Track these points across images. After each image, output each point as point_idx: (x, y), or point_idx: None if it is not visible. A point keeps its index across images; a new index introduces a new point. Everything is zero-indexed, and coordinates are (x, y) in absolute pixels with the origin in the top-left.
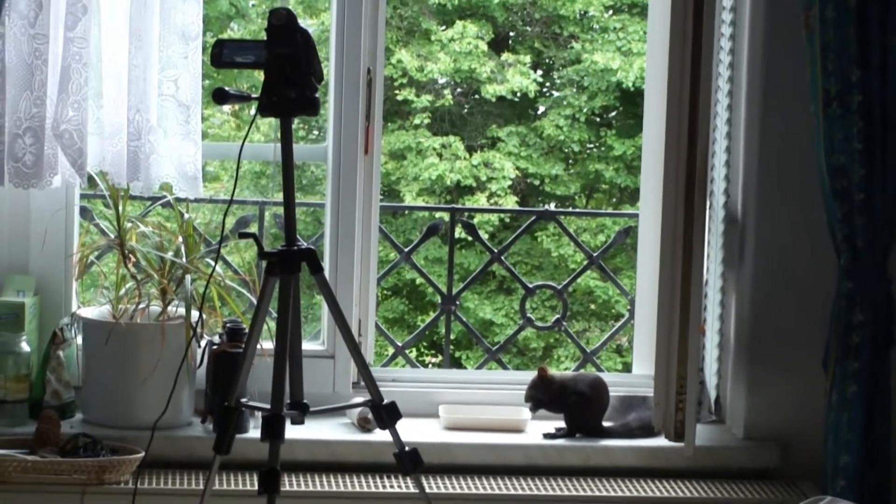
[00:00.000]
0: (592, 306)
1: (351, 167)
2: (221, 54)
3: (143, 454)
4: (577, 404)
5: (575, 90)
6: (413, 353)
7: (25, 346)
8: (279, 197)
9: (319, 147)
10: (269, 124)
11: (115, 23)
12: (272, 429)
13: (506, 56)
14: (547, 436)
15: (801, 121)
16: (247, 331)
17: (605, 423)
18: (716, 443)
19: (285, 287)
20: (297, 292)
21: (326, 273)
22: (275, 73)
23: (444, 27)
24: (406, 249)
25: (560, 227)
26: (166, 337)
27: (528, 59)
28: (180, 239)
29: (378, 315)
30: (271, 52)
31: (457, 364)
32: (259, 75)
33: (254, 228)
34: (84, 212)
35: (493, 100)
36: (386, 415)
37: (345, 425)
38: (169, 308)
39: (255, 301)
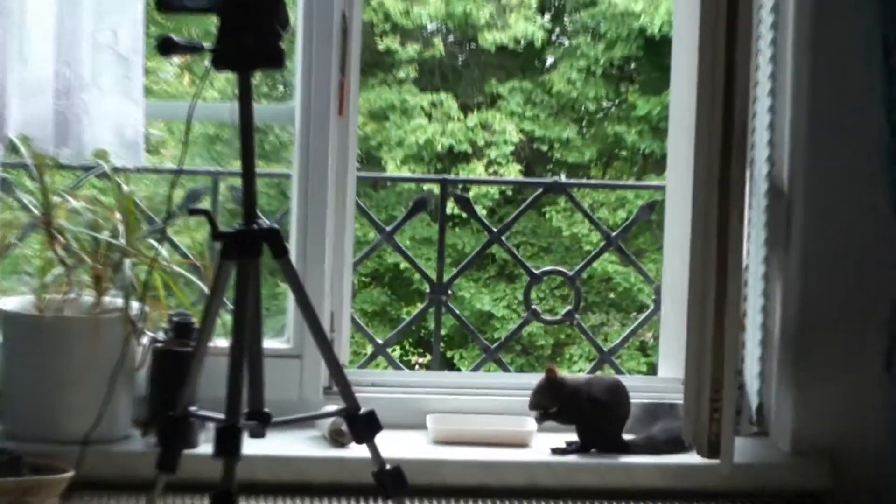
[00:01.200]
0: (611, 296)
1: (322, 130)
2: None
3: (72, 473)
4: (592, 413)
5: (590, 38)
6: (396, 353)
7: None
8: (237, 166)
9: (285, 107)
10: (225, 80)
11: None
12: (227, 443)
13: None
14: (556, 451)
15: (859, 74)
16: (197, 326)
17: (626, 436)
18: (758, 459)
19: (243, 273)
20: (257, 280)
21: (293, 256)
22: (231, 18)
23: None
24: (388, 228)
25: (572, 201)
26: (101, 333)
27: (534, 0)
28: (118, 216)
29: (354, 307)
30: None
31: (449, 365)
32: (214, 21)
33: (206, 204)
34: (4, 184)
35: (493, 50)
36: (363, 426)
37: (314, 439)
38: (104, 299)
39: (207, 290)
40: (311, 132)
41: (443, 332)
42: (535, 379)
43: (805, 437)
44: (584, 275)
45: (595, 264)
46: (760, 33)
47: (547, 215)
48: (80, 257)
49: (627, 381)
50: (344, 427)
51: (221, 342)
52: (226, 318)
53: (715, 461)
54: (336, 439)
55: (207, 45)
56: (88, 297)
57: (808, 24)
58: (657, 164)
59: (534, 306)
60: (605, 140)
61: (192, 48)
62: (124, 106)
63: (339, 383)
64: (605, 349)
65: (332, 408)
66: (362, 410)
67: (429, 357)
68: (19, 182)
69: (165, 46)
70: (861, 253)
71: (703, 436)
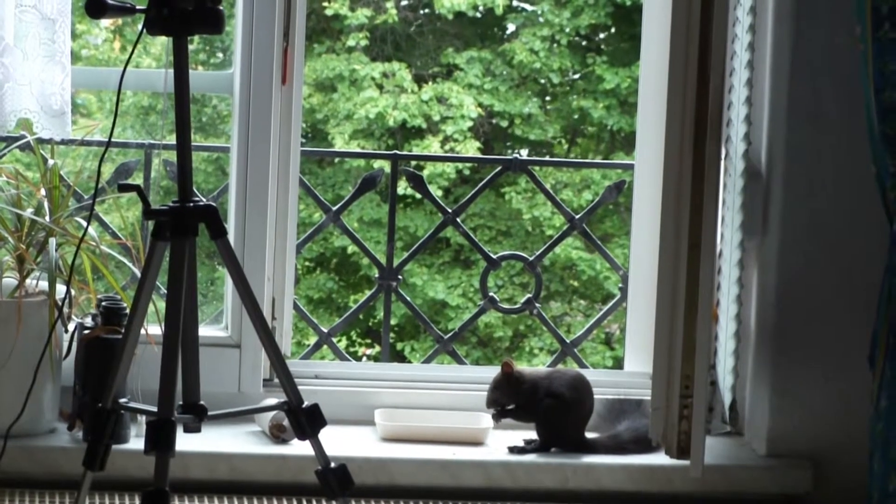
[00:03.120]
0: (574, 284)
1: (264, 101)
2: None
3: None
4: (553, 410)
5: (554, 4)
6: (343, 343)
7: None
8: (171, 139)
9: (224, 74)
10: (160, 45)
11: None
12: (160, 438)
13: None
14: (514, 450)
15: (844, 46)
16: (128, 311)
17: (589, 435)
18: (731, 461)
19: (178, 255)
20: (192, 262)
21: (231, 237)
22: None
23: None
24: (334, 208)
25: (533, 181)
26: (24, 318)
27: None
28: (43, 192)
29: (298, 293)
30: None
31: (399, 357)
32: None
33: (138, 179)
34: None
35: (450, 16)
36: (306, 421)
37: (253, 434)
38: (27, 281)
39: (138, 273)
40: (252, 103)
41: (392, 321)
42: (491, 372)
43: (781, 437)
44: (546, 261)
45: (557, 250)
46: (739, 0)
47: (506, 196)
48: (2, 236)
49: (591, 375)
50: (285, 422)
51: (154, 329)
52: (159, 303)
53: (685, 462)
54: (277, 435)
55: (140, 6)
56: (10, 279)
57: None
58: (626, 141)
59: (491, 294)
60: (570, 115)
61: (124, 10)
62: (49, 71)
63: (281, 375)
64: (568, 341)
65: (272, 401)
66: (305, 404)
67: (377, 348)
68: None
69: (94, 8)
70: (843, 239)
71: (672, 435)
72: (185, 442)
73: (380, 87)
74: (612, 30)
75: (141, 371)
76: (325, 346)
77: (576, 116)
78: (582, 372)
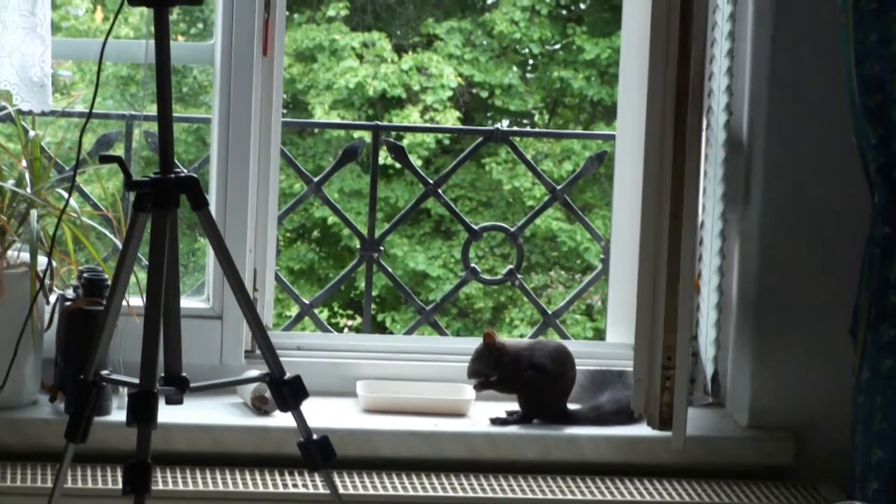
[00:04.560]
0: (555, 255)
1: (245, 72)
2: None
3: None
4: (535, 381)
5: None
6: (324, 314)
7: None
8: (152, 110)
9: (204, 45)
10: (140, 15)
11: None
12: (142, 410)
13: None
14: (496, 421)
15: (825, 17)
16: (109, 283)
17: (571, 406)
18: (713, 432)
19: (159, 227)
20: (174, 234)
21: (212, 209)
22: None
23: None
24: (316, 179)
25: (514, 151)
26: (5, 290)
27: None
28: (24, 163)
29: (279, 264)
30: None
31: (380, 328)
32: None
33: (119, 150)
34: None
35: None
36: (288, 393)
37: (235, 406)
38: (9, 253)
39: (119, 245)
40: (233, 74)
41: (374, 292)
42: (473, 344)
43: (764, 409)
44: (527, 232)
45: (538, 221)
46: None
47: (487, 167)
48: None
49: (573, 346)
50: (267, 394)
51: (135, 301)
52: (140, 274)
53: (667, 433)
54: (259, 407)
55: None
56: None
57: None
58: (606, 112)
59: (472, 265)
60: (551, 86)
61: None
62: (29, 43)
63: (263, 347)
64: (550, 312)
65: (254, 373)
66: (287, 376)
67: (359, 319)
68: None
69: None
70: (825, 210)
71: (654, 406)
72: (167, 414)
73: (360, 57)
74: (593, 0)
75: (123, 343)
76: (306, 318)
77: (556, 87)
78: (564, 343)
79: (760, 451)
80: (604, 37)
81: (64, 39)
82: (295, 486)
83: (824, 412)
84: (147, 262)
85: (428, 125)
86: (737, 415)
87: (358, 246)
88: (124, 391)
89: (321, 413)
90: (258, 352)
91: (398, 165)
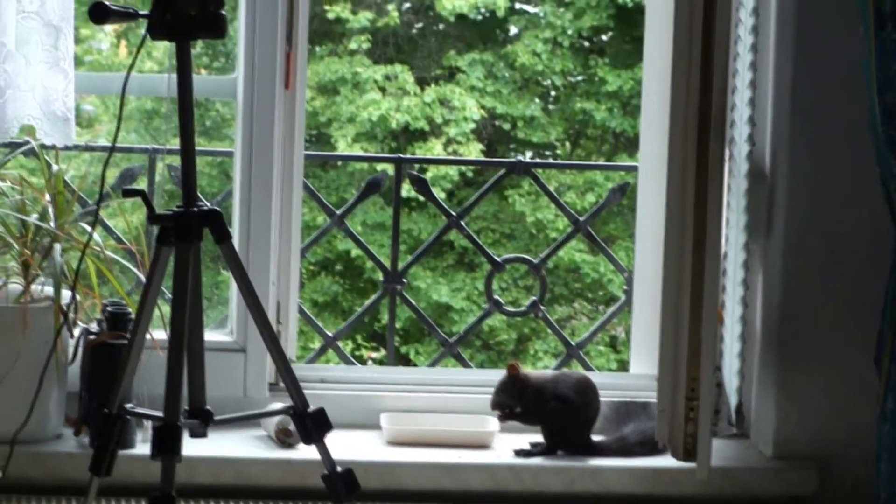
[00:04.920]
0: (578, 286)
1: (267, 105)
2: None
3: None
4: (559, 412)
5: (556, 6)
6: (348, 347)
7: None
8: (175, 144)
9: (227, 79)
10: (163, 50)
11: None
12: (166, 443)
13: None
14: (519, 453)
15: (848, 47)
16: (133, 316)
17: (595, 437)
18: (737, 463)
19: (182, 260)
20: (197, 267)
21: (235, 242)
22: None
23: None
24: (339, 212)
25: (537, 183)
26: (29, 324)
27: None
28: (47, 197)
29: (303, 297)
30: None
31: (404, 361)
32: None
33: (143, 184)
34: None
35: (451, 18)
36: (312, 425)
37: (259, 439)
38: (33, 287)
39: (143, 278)
40: (256, 107)
41: (397, 325)
42: (496, 375)
43: (788, 439)
44: (550, 264)
45: (561, 252)
46: (741, 1)
47: (510, 199)
48: (7, 242)
49: (597, 377)
50: (291, 426)
51: (159, 334)
52: (164, 308)
53: (691, 464)
54: (283, 439)
55: (143, 11)
56: (15, 284)
57: None
58: (629, 143)
59: (496, 297)
60: (573, 118)
61: (127, 15)
62: (52, 78)
63: (287, 379)
64: (573, 343)
65: (278, 405)
66: (311, 408)
67: (382, 352)
68: None
69: (97, 13)
70: (848, 240)
71: (678, 437)
72: (191, 447)
73: (382, 89)
74: (614, 32)
75: (146, 376)
76: (330, 350)
77: (578, 119)
78: (587, 374)
79: (785, 481)
80: (626, 68)
81: (87, 73)
82: None
83: (849, 442)
84: (170, 296)
85: (451, 157)
86: (761, 445)
87: (381, 278)
88: (148, 424)
89: (345, 445)
90: (282, 384)
91: (421, 198)
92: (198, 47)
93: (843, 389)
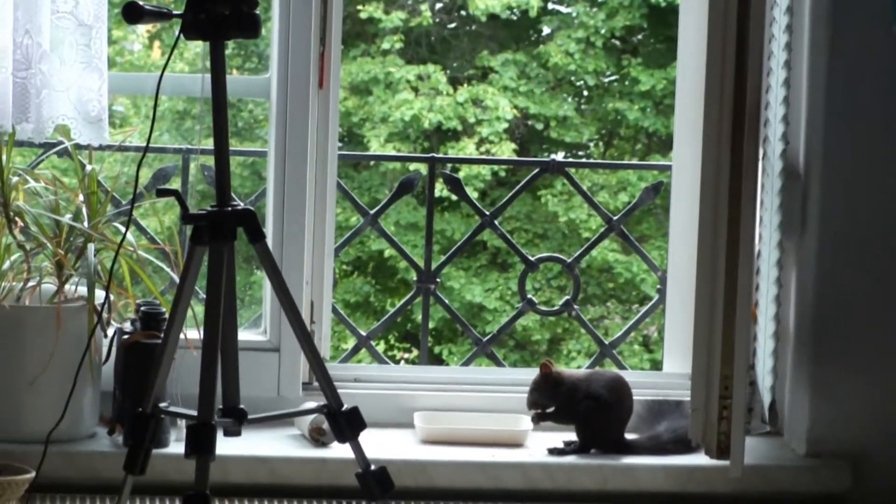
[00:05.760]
0: (611, 286)
1: (301, 105)
2: None
3: (33, 474)
4: (592, 411)
5: (589, 6)
6: (381, 346)
7: None
8: (208, 144)
9: (260, 79)
10: (194, 50)
11: None
12: (200, 442)
13: None
14: (553, 451)
15: (882, 45)
16: (167, 316)
17: (628, 436)
18: (771, 461)
19: (216, 260)
20: (231, 266)
21: (269, 241)
22: None
23: None
24: (372, 211)
25: (570, 183)
26: (63, 324)
27: None
28: (81, 198)
29: (336, 297)
30: None
31: (437, 360)
32: None
33: (176, 184)
34: None
35: (484, 18)
36: (346, 424)
37: (293, 438)
38: (66, 287)
39: (177, 278)
40: (289, 107)
41: (430, 324)
42: (529, 375)
43: (822, 437)
44: (583, 264)
45: (594, 252)
46: (775, 0)
47: (542, 199)
48: (41, 242)
49: (630, 376)
50: (325, 425)
51: (193, 334)
52: (197, 307)
53: (724, 462)
54: (317, 438)
55: (177, 11)
56: (49, 284)
57: None
58: (662, 143)
59: (529, 296)
60: (606, 117)
61: (160, 15)
62: (86, 78)
63: (320, 378)
64: (607, 343)
65: (312, 404)
66: (345, 407)
67: (415, 352)
68: None
69: (131, 13)
70: (882, 238)
71: (711, 435)
72: (225, 446)
73: (415, 89)
74: (647, 31)
75: (180, 376)
76: (363, 350)
77: (611, 118)
78: (620, 373)
79: (818, 479)
80: (659, 68)
81: (120, 74)
82: None
83: (882, 441)
84: (204, 296)
85: (484, 157)
86: (794, 443)
87: (414, 278)
88: (182, 423)
89: (379, 444)
90: (315, 383)
91: (454, 197)
92: (230, 47)
93: (877, 387)
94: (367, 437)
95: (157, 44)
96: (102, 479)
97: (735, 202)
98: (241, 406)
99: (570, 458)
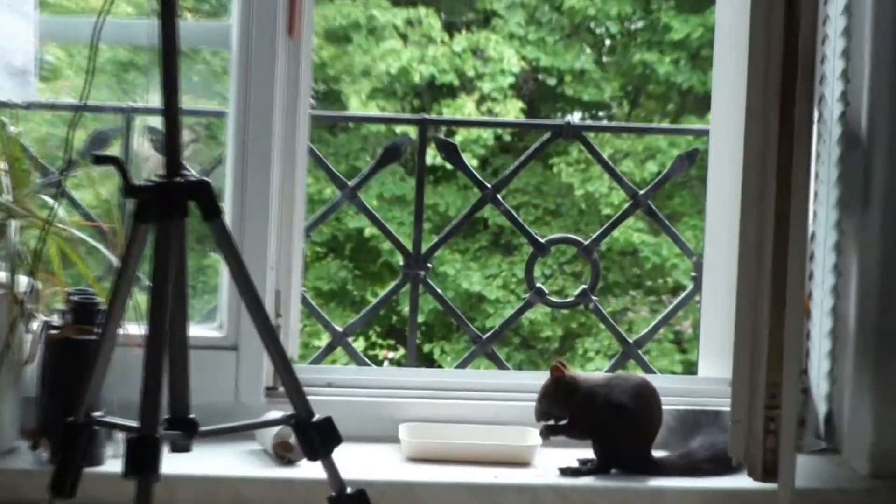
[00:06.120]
0: (637, 273)
1: (267, 56)
2: None
3: None
4: (613, 423)
5: None
6: (360, 344)
7: None
8: (156, 102)
9: (219, 25)
10: None
11: None
12: (142, 459)
13: None
14: (566, 472)
15: None
16: (103, 307)
17: (656, 453)
18: (827, 483)
19: (164, 240)
20: (181, 248)
21: (227, 218)
22: None
23: None
24: (351, 183)
25: (588, 149)
26: None
27: None
28: (2, 165)
29: (307, 285)
30: None
31: (428, 361)
32: None
33: (116, 150)
34: None
35: None
36: (317, 438)
37: (254, 454)
38: None
39: (116, 262)
40: (253, 58)
41: (420, 318)
42: (539, 379)
43: (887, 455)
44: (603, 246)
45: (617, 233)
46: None
47: (555, 168)
48: None
49: (659, 381)
50: (292, 439)
51: (135, 329)
52: (141, 297)
53: (771, 485)
54: (282, 455)
55: None
56: None
57: None
58: (698, 102)
59: (538, 285)
60: (631, 72)
61: None
62: (11, 23)
63: (287, 383)
64: (631, 341)
65: (277, 414)
66: (316, 418)
67: (402, 351)
68: None
69: None
70: None
71: (755, 453)
72: (172, 463)
73: (403, 37)
74: None
75: (119, 379)
76: (339, 349)
77: (638, 73)
78: (647, 378)
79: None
80: (695, 13)
81: (51, 18)
82: None
83: None
84: (149, 283)
85: (485, 119)
86: (855, 462)
87: (401, 263)
88: (121, 436)
89: (357, 462)
90: (281, 389)
91: (449, 166)
92: None
93: None
94: (342, 454)
95: None
96: (24, 501)
97: (784, 174)
98: (192, 416)
99: (587, 480)
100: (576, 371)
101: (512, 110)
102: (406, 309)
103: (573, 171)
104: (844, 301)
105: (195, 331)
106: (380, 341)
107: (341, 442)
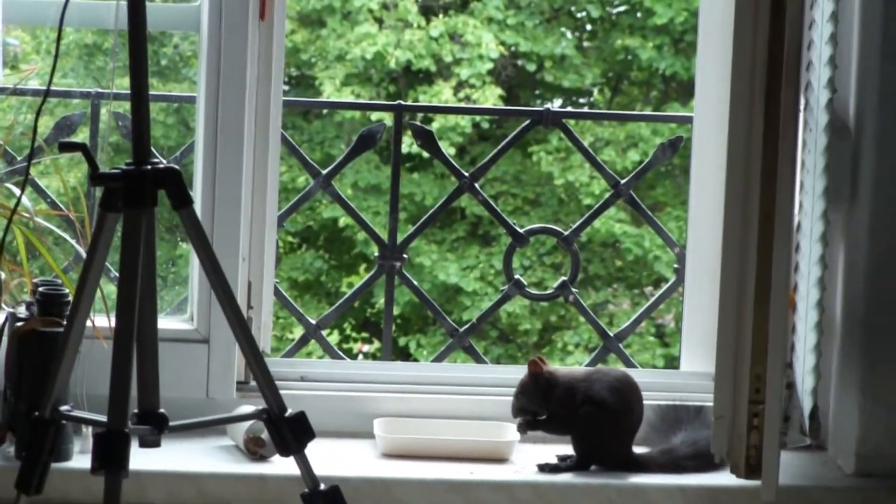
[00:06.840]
0: (618, 264)
1: (238, 40)
2: None
3: None
4: (592, 418)
5: None
6: (334, 337)
7: None
8: (124, 87)
9: (188, 7)
10: None
11: None
12: (110, 454)
13: None
14: (544, 468)
15: None
16: (70, 299)
17: (637, 449)
18: (812, 481)
19: (132, 230)
20: (151, 238)
21: (198, 207)
22: None
23: None
24: (325, 171)
25: (568, 137)
26: None
27: None
28: None
29: (280, 276)
30: None
31: (403, 355)
32: None
33: (83, 136)
34: None
35: None
36: (290, 433)
37: (225, 449)
38: None
39: (83, 252)
40: (223, 42)
41: (395, 310)
42: (516, 373)
43: (873, 453)
44: (584, 236)
45: (598, 223)
46: None
47: (534, 157)
48: None
49: (640, 375)
50: (264, 434)
51: (102, 321)
52: (109, 288)
53: (755, 483)
54: (254, 450)
55: None
56: None
57: None
58: (682, 89)
59: (517, 276)
60: (613, 57)
61: None
62: None
63: (259, 376)
64: (611, 334)
65: (248, 409)
66: (289, 413)
67: (377, 344)
68: None
69: None
70: None
71: (739, 449)
72: (140, 459)
73: (379, 20)
74: None
75: (86, 372)
76: (312, 342)
77: (620, 58)
78: (628, 372)
79: (869, 502)
80: None
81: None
82: None
83: None
84: (116, 274)
85: (462, 105)
86: (841, 460)
87: (376, 253)
88: (88, 431)
89: (331, 458)
90: (253, 383)
91: (426, 154)
92: None
93: None
94: (315, 449)
95: None
96: None
97: (770, 163)
98: (161, 410)
99: (566, 477)
100: (554, 366)
101: (490, 97)
102: (381, 301)
103: (553, 159)
104: (831, 294)
105: (165, 323)
106: (354, 334)
107: (315, 437)
